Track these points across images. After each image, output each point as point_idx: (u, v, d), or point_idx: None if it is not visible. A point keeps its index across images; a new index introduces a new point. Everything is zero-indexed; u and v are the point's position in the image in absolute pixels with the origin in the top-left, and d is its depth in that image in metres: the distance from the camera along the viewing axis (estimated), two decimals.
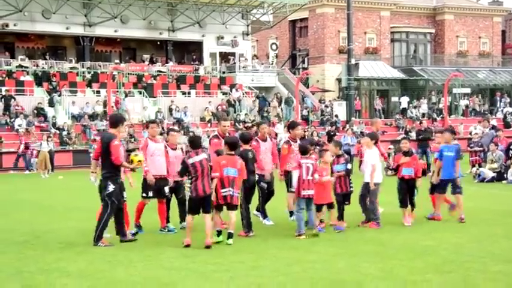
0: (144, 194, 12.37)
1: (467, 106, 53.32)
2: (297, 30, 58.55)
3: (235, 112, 42.20)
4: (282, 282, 8.41)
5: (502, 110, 51.90)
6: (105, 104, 37.34)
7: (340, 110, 46.01)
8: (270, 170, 13.14)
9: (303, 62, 57.72)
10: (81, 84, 41.39)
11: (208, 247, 10.56)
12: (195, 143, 11.24)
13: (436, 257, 9.76)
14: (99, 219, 11.15)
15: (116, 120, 11.57)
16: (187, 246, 10.74)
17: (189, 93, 43.84)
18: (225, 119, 13.41)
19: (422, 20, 59.76)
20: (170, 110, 40.63)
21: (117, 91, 40.30)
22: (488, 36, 61.50)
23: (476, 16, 61.07)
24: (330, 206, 12.30)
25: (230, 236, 11.05)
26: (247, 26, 49.96)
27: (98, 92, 40.98)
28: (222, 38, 48.56)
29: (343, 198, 12.55)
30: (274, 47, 55.57)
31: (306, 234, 11.44)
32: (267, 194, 13.17)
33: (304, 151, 11.90)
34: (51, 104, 38.42)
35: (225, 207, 11.32)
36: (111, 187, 11.09)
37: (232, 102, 42.90)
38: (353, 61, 45.94)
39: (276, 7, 48.50)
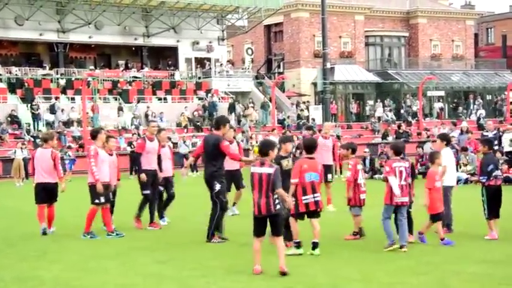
0: (96, 201, 12.49)
1: (441, 109, 53.81)
2: (272, 35, 58.66)
3: (210, 117, 42.14)
4: (259, 287, 8.40)
5: (475, 113, 52.41)
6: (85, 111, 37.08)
7: (316, 114, 46.17)
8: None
9: (279, 66, 57.82)
10: (55, 91, 41.07)
11: (283, 274, 8.85)
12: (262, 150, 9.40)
13: (411, 260, 9.83)
14: (211, 219, 11.44)
15: (220, 122, 11.99)
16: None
17: (165, 98, 43.72)
18: (153, 121, 14.29)
19: (396, 23, 60.18)
20: (146, 115, 40.46)
21: (92, 97, 40.06)
22: (461, 39, 62.10)
23: (449, 19, 61.65)
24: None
25: (316, 245, 10.25)
26: (223, 31, 49.97)
27: (73, 98, 40.70)
28: (197, 43, 48.52)
29: None
30: (249, 51, 55.61)
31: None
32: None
33: (397, 152, 10.95)
34: (34, 110, 37.78)
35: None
36: (217, 186, 11.45)
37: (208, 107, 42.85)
38: (328, 65, 46.09)
39: (250, 12, 48.57)
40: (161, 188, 14.09)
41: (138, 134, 34.75)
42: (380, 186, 13.01)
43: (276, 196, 8.97)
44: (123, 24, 45.08)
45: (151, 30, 46.56)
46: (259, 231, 9.11)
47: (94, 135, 12.97)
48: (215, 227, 11.54)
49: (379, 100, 51.55)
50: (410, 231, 11.02)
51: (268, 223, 9.11)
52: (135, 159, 14.22)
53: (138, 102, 41.77)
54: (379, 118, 48.20)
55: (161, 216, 14.24)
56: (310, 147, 10.56)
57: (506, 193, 11.90)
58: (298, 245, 10.26)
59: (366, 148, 28.23)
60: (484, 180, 11.29)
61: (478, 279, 8.59)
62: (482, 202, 11.46)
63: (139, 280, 8.96)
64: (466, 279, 8.59)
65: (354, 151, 12.20)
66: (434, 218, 11.01)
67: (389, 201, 10.62)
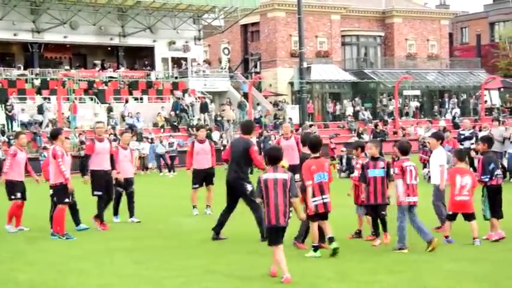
0: (66, 200, 12.58)
1: (417, 108, 54.21)
2: (248, 35, 58.66)
3: (188, 117, 42.07)
4: (236, 287, 8.40)
5: (450, 111, 52.87)
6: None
7: (293, 113, 46.26)
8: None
9: (255, 66, 57.84)
10: (30, 92, 40.70)
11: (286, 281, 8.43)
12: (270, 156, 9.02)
13: (387, 257, 9.87)
14: (259, 221, 11.30)
15: (251, 127, 12.36)
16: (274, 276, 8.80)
17: (141, 98, 43.53)
18: (98, 121, 14.59)
19: (372, 23, 60.49)
20: (122, 115, 40.24)
21: (68, 98, 39.77)
22: (436, 39, 62.59)
23: (424, 19, 62.11)
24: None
25: (332, 239, 10.01)
26: (199, 30, 49.88)
27: (48, 99, 40.34)
28: (174, 43, 48.37)
29: None
30: (226, 51, 55.52)
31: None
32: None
33: (405, 151, 10.69)
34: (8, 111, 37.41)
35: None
36: (249, 187, 11.57)
37: (185, 107, 42.74)
38: (305, 65, 46.23)
39: (227, 12, 48.53)
40: (120, 189, 14.46)
41: (115, 134, 34.56)
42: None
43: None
44: (98, 24, 44.79)
45: (127, 30, 46.33)
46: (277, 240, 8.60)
47: (55, 135, 13.00)
48: (262, 225, 11.18)
49: (348, 99, 51.85)
50: (385, 230, 10.96)
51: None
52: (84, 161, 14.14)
53: (127, 102, 41.67)
54: (349, 116, 48.55)
55: (115, 214, 14.73)
56: (315, 145, 10.22)
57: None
58: (316, 248, 9.98)
59: (343, 147, 28.32)
60: (486, 180, 11.04)
61: (454, 276, 8.65)
62: (482, 202, 11.21)
63: (116, 281, 8.91)
64: (441, 276, 8.65)
65: (362, 149, 11.84)
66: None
67: (400, 201, 10.34)
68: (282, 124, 27.80)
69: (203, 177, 15.31)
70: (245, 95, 47.58)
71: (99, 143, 13.77)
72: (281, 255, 8.47)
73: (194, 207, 15.41)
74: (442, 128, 25.45)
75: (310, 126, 31.21)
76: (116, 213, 14.72)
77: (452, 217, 10.95)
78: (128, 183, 14.54)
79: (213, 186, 15.43)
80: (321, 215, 10.01)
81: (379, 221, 10.95)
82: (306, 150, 10.93)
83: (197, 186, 15.32)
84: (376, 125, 29.54)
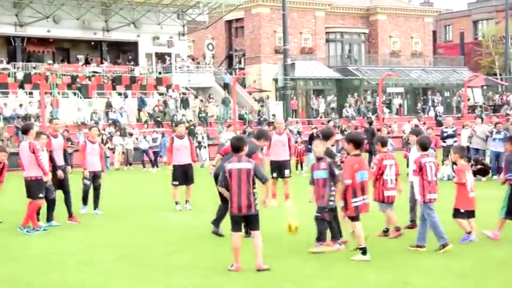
0: (41, 195, 12.59)
1: (400, 105, 54.41)
2: (233, 31, 58.59)
3: (172, 113, 41.94)
4: (218, 283, 8.39)
5: (433, 109, 53.12)
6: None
7: (277, 109, 46.27)
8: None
9: (240, 62, 57.80)
10: (13, 86, 40.39)
11: (260, 270, 8.77)
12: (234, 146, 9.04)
13: (372, 254, 9.87)
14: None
15: (263, 136, 12.06)
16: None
17: (125, 93, 43.35)
18: (56, 118, 15.01)
19: (356, 20, 60.63)
20: (106, 111, 40.06)
21: (51, 92, 39.50)
22: (420, 36, 62.85)
23: (408, 16, 62.34)
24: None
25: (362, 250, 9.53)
26: (183, 26, 49.73)
27: (31, 93, 40.06)
28: (158, 38, 48.19)
29: None
30: (210, 47, 55.48)
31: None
32: None
33: (425, 147, 10.34)
34: None
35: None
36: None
37: (169, 102, 42.61)
38: (289, 61, 46.29)
39: (211, 7, 48.40)
40: (88, 182, 14.83)
41: (98, 129, 34.35)
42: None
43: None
44: (82, 18, 44.52)
45: (110, 24, 46.09)
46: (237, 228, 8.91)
47: (26, 130, 12.99)
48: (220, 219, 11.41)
49: (321, 96, 51.96)
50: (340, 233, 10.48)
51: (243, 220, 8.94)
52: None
53: (126, 97, 41.69)
54: (317, 112, 49.46)
55: (84, 205, 15.02)
56: (358, 142, 9.76)
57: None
58: (364, 251, 9.43)
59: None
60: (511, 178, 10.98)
61: (437, 272, 8.70)
62: (503, 200, 11.07)
63: (99, 277, 8.88)
64: (425, 272, 8.69)
65: (383, 144, 11.30)
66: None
67: (423, 199, 10.09)
68: (276, 119, 27.89)
69: (183, 173, 15.26)
70: (225, 86, 47.59)
71: (54, 139, 13.83)
72: (238, 243, 8.81)
73: (177, 203, 15.39)
74: (414, 126, 25.42)
75: (269, 124, 30.83)
76: (85, 203, 15.02)
77: (465, 215, 10.76)
78: (95, 176, 14.89)
79: (193, 185, 15.44)
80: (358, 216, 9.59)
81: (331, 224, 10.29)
82: (327, 144, 10.76)
83: (177, 183, 15.30)
84: (370, 122, 28.39)
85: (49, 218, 13.43)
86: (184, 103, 42.55)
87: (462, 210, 10.75)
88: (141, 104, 41.30)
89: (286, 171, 15.74)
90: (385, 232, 11.32)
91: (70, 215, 13.86)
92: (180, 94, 44.25)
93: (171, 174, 15.42)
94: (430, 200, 10.06)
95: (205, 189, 15.44)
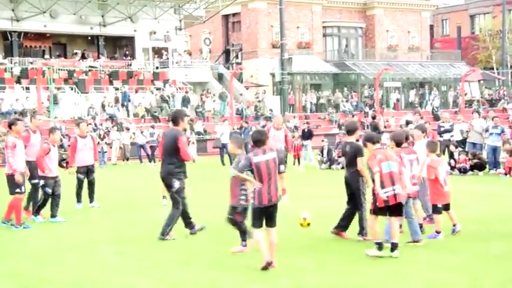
0: (18, 190, 12.49)
1: (398, 99, 54.44)
2: (230, 25, 58.48)
3: (169, 108, 41.90)
4: (215, 278, 8.41)
5: (430, 103, 53.15)
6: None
7: (274, 104, 46.27)
8: None
9: (237, 57, 57.73)
10: (9, 81, 40.34)
11: (266, 267, 8.64)
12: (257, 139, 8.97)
13: (368, 247, 9.89)
14: (170, 217, 10.91)
15: (177, 116, 11.33)
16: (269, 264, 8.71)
17: (122, 88, 43.28)
18: (38, 114, 14.90)
19: (353, 14, 60.55)
20: (103, 105, 40.03)
21: (48, 87, 39.46)
22: (417, 30, 62.81)
23: (405, 11, 62.28)
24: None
25: (395, 246, 9.32)
26: (180, 21, 49.66)
27: (28, 88, 40.03)
28: (155, 33, 48.12)
29: None
30: (207, 42, 55.36)
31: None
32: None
33: (399, 143, 10.23)
34: None
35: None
36: (176, 184, 10.96)
37: (166, 97, 42.59)
38: (286, 56, 46.26)
39: (208, 2, 48.37)
40: (82, 177, 15.08)
41: (95, 124, 34.41)
42: (338, 177, 13.12)
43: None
44: (78, 13, 44.44)
45: (107, 19, 46.02)
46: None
47: (9, 125, 13.03)
48: (172, 225, 11.06)
49: (308, 91, 52.00)
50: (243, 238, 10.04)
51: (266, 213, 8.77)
52: None
53: (136, 92, 41.77)
54: (304, 107, 49.60)
55: (78, 201, 15.18)
56: (374, 141, 9.70)
57: (463, 182, 12.08)
58: (380, 246, 9.28)
59: (324, 138, 28.38)
60: None
61: (433, 267, 8.72)
62: None
63: (96, 272, 8.89)
64: (421, 267, 8.71)
65: (398, 144, 10.93)
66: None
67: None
68: (275, 115, 27.93)
69: None
70: (220, 76, 47.54)
71: (34, 135, 13.76)
72: (261, 237, 8.66)
73: (164, 197, 15.46)
74: (405, 121, 25.29)
75: (267, 119, 30.80)
76: (79, 200, 15.18)
77: (442, 210, 10.81)
78: (89, 171, 15.16)
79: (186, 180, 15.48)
80: (391, 209, 9.39)
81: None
82: (352, 139, 10.73)
83: None
84: (374, 117, 27.73)
85: (53, 214, 13.41)
86: (186, 102, 42.30)
87: (439, 205, 10.78)
88: (124, 99, 40.83)
89: (282, 167, 15.76)
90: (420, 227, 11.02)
91: (38, 211, 13.74)
92: (177, 89, 44.21)
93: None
94: (408, 194, 9.94)
95: (197, 184, 15.44)
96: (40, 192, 13.55)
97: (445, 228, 10.74)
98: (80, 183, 15.12)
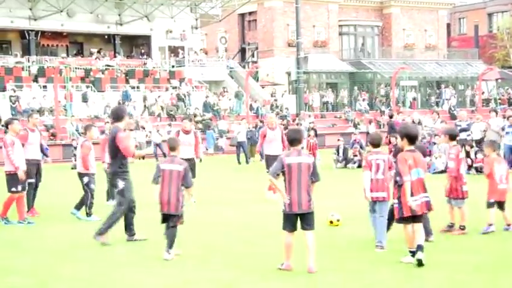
0: (13, 189, 12.64)
1: (414, 98, 54.18)
2: (246, 24, 58.49)
3: (185, 106, 41.99)
4: (233, 276, 8.39)
5: (447, 102, 52.84)
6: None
7: (290, 103, 46.22)
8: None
9: (253, 55, 57.73)
10: (27, 79, 40.60)
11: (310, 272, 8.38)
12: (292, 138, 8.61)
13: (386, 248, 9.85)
14: (111, 216, 10.62)
15: (119, 113, 11.07)
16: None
17: (138, 87, 43.43)
18: (34, 113, 15.29)
19: (369, 13, 60.33)
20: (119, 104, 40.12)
21: (65, 86, 39.67)
22: (434, 29, 62.48)
23: (422, 9, 61.97)
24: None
25: (420, 248, 8.70)
26: (196, 19, 49.73)
27: (45, 86, 40.28)
28: (171, 31, 48.23)
29: None
30: (223, 40, 55.44)
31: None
32: None
33: (374, 144, 9.94)
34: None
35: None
36: (121, 184, 10.68)
37: (182, 96, 42.67)
38: (302, 54, 46.17)
39: (224, 0, 48.36)
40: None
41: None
42: (354, 176, 13.07)
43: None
44: (95, 12, 44.64)
45: (124, 18, 46.18)
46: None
47: (5, 125, 13.31)
48: (110, 226, 10.62)
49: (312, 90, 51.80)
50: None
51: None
52: None
53: (167, 90, 42.29)
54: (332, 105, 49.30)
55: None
56: (413, 137, 8.89)
57: (480, 181, 12.00)
58: (414, 254, 8.76)
59: (340, 137, 28.29)
60: None
61: (453, 266, 8.65)
62: None
63: (113, 269, 8.91)
64: (440, 267, 8.65)
65: (452, 138, 11.01)
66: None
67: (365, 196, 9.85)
68: (267, 114, 27.79)
69: None
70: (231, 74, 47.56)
71: (31, 133, 13.78)
72: (291, 242, 8.42)
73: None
74: (412, 120, 24.98)
75: (282, 118, 30.65)
76: (110, 197, 15.12)
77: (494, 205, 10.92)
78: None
79: (195, 179, 15.51)
80: (417, 217, 8.77)
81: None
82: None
83: None
84: (391, 116, 27.33)
85: (88, 213, 13.40)
86: (207, 106, 42.20)
87: (492, 201, 10.86)
88: (125, 98, 40.57)
89: (316, 175, 15.80)
90: (450, 227, 11.01)
91: (29, 208, 13.83)
92: (193, 88, 44.28)
93: None
94: (372, 198, 9.72)
95: (207, 182, 15.44)
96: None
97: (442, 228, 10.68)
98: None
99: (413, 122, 20.42)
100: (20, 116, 36.52)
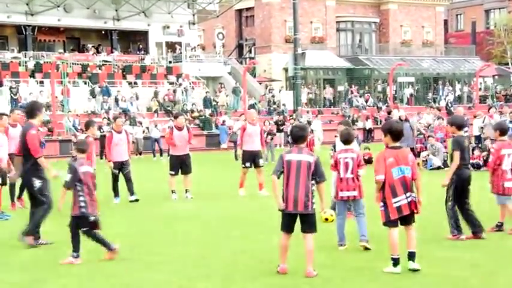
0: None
1: (411, 95, 54.20)
2: (243, 20, 58.43)
3: (183, 102, 41.97)
4: (231, 273, 8.39)
5: (444, 99, 52.88)
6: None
7: (287, 99, 46.21)
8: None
9: (250, 51, 57.67)
10: (23, 74, 40.53)
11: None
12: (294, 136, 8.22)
13: (383, 245, 9.83)
14: (35, 217, 10.19)
15: (33, 108, 10.56)
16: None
17: (135, 83, 43.38)
18: (16, 108, 15.88)
19: (367, 9, 60.28)
20: (116, 100, 40.12)
21: (62, 81, 39.62)
22: (431, 25, 62.47)
23: (419, 6, 61.96)
24: None
25: (412, 255, 8.22)
26: (193, 15, 49.68)
27: (42, 82, 40.23)
28: (168, 27, 48.18)
29: None
30: (220, 36, 55.36)
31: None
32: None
33: (344, 140, 9.73)
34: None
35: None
36: (37, 183, 10.15)
37: (183, 90, 42.63)
38: (299, 50, 46.14)
39: None
40: (116, 171, 15.12)
41: (108, 118, 34.49)
42: None
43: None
44: (92, 7, 44.56)
45: (121, 13, 46.10)
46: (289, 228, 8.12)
47: None
48: (36, 225, 10.24)
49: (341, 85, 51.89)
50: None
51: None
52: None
53: (179, 82, 42.39)
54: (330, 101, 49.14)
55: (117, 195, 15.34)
56: (396, 133, 8.23)
57: (477, 178, 11.97)
58: (396, 262, 8.14)
59: (337, 134, 28.23)
60: None
61: (448, 263, 8.66)
62: None
63: (110, 264, 8.90)
64: (436, 263, 8.66)
65: (503, 132, 10.61)
66: None
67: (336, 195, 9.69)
68: (248, 110, 27.82)
69: (180, 164, 15.57)
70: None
71: (12, 129, 13.94)
72: (287, 243, 8.17)
73: (173, 191, 15.68)
74: (399, 117, 24.93)
75: (280, 114, 30.68)
76: (116, 194, 15.27)
77: None
78: (123, 165, 15.14)
79: (191, 174, 15.77)
80: (406, 218, 8.19)
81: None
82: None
83: (173, 173, 15.63)
84: (389, 112, 27.24)
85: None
86: (207, 102, 42.23)
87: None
88: (105, 93, 40.39)
89: (260, 161, 16.13)
90: (499, 226, 10.68)
91: (13, 200, 14.08)
92: (190, 83, 44.24)
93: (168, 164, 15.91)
94: (342, 197, 9.55)
95: (205, 177, 15.44)
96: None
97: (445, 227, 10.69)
98: (114, 177, 15.18)
99: (400, 119, 20.36)
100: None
